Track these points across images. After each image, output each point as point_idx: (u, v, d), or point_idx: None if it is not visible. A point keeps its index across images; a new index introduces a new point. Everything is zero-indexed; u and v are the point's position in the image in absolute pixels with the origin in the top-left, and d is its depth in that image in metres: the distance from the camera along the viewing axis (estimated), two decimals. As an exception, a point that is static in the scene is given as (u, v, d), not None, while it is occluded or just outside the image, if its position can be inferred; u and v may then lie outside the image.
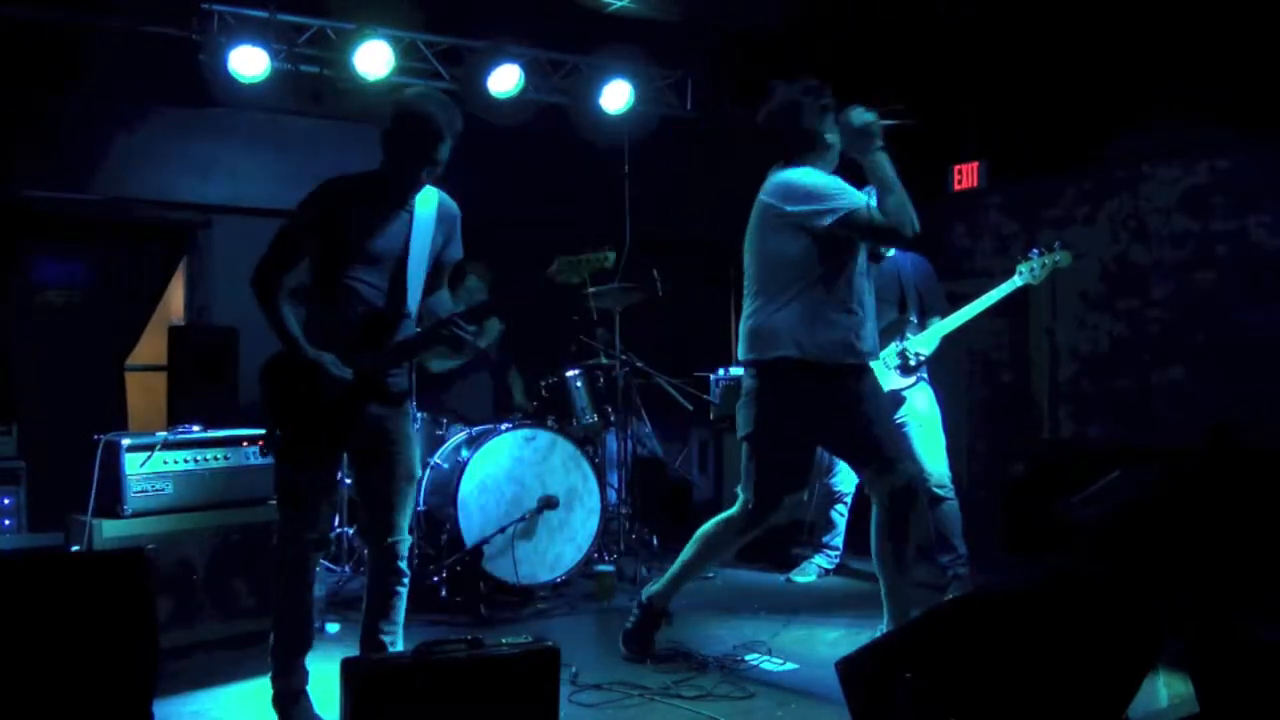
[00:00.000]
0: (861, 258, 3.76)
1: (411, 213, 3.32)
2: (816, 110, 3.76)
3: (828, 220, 3.57)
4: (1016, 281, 4.74)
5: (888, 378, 4.93)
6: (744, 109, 6.43)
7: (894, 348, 4.90)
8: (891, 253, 5.02)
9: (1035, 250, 4.77)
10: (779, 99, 3.77)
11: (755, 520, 3.82)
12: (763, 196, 3.77)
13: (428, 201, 3.37)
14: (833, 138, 3.78)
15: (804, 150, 3.74)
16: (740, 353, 3.84)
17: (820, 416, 3.71)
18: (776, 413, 3.70)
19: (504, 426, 5.02)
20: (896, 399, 4.93)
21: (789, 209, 3.64)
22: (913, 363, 4.86)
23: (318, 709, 3.32)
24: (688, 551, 3.95)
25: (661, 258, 5.74)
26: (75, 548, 3.92)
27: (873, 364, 4.92)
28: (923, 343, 4.85)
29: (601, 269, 3.83)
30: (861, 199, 3.66)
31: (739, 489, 3.84)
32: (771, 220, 3.70)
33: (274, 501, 4.26)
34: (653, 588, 3.97)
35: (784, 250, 3.67)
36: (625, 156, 6.29)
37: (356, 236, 3.23)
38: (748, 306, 3.80)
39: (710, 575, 5.41)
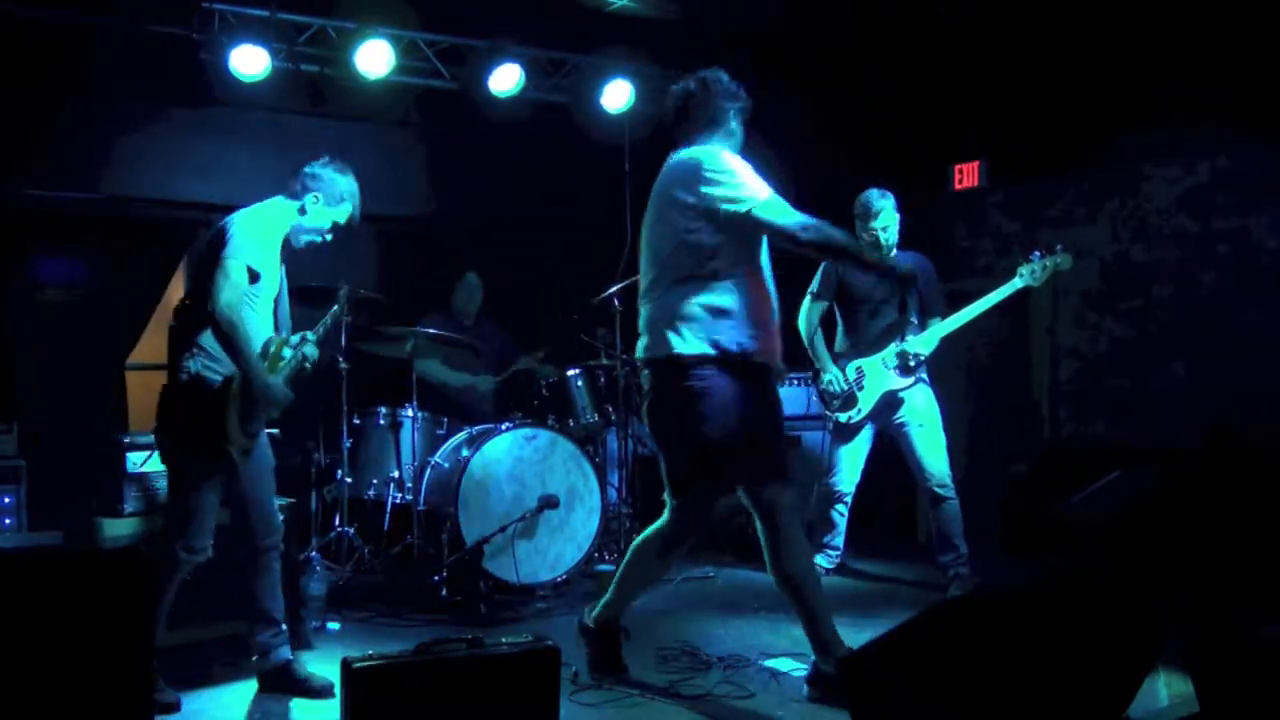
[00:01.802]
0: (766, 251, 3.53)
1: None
2: (729, 98, 3.58)
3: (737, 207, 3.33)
4: (1017, 283, 4.74)
5: (887, 378, 4.93)
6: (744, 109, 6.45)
7: (893, 348, 4.90)
8: (893, 252, 5.04)
9: (1036, 252, 4.76)
10: (693, 79, 3.61)
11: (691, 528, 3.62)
12: (664, 179, 3.54)
13: None
14: (736, 128, 3.62)
15: (708, 130, 3.55)
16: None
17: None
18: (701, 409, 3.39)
19: (504, 426, 5.02)
20: (896, 400, 4.93)
21: (698, 192, 3.38)
22: (912, 363, 4.87)
23: (318, 709, 3.34)
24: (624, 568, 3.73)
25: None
26: (75, 547, 3.92)
27: (873, 364, 4.97)
28: (922, 343, 4.85)
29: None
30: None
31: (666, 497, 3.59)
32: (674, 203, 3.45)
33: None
34: (592, 613, 3.76)
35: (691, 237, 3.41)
36: (625, 156, 6.29)
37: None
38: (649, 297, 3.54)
39: (710, 575, 5.41)
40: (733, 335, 3.36)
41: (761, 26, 6.18)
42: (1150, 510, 2.50)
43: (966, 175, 6.67)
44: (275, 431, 4.44)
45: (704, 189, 3.36)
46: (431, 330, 5.34)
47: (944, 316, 4.90)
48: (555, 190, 6.68)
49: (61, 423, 4.97)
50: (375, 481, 5.42)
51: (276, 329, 3.59)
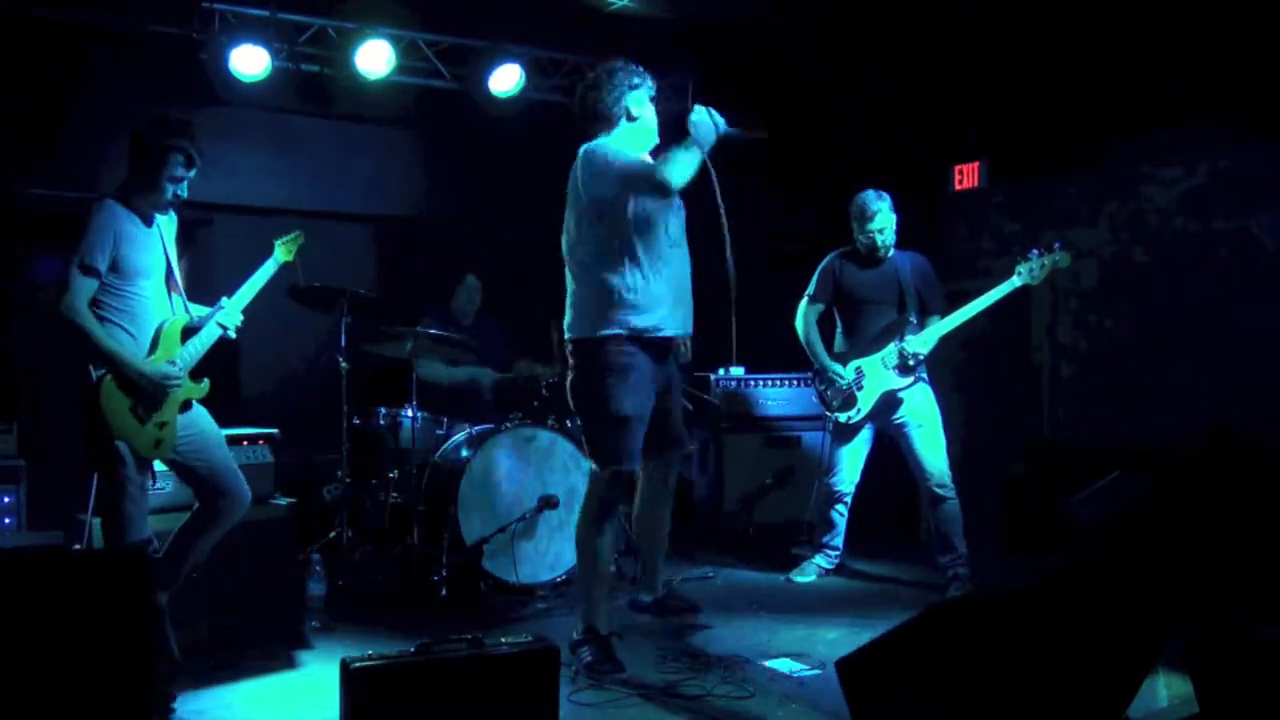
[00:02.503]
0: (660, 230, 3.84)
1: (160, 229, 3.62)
2: (624, 88, 3.87)
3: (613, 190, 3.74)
4: (1015, 282, 4.74)
5: (887, 378, 4.93)
6: (743, 109, 6.44)
7: (893, 348, 4.90)
8: (891, 253, 5.04)
9: (1035, 251, 4.77)
10: (589, 77, 3.95)
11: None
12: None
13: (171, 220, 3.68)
14: (639, 113, 3.90)
15: (603, 126, 3.89)
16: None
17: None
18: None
19: (504, 426, 5.02)
20: (895, 399, 4.93)
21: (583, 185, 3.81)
22: (911, 363, 4.87)
23: (318, 709, 3.34)
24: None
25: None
26: (75, 546, 3.92)
27: (872, 364, 4.96)
28: (921, 343, 4.85)
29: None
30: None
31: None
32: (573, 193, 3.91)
33: (275, 501, 4.30)
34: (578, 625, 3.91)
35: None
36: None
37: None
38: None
39: (710, 575, 5.41)
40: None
41: (762, 26, 6.17)
42: (1150, 510, 2.51)
43: (967, 176, 6.67)
44: (275, 431, 4.46)
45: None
46: (432, 330, 5.33)
47: (943, 316, 4.90)
48: (555, 190, 6.68)
49: (61, 423, 4.96)
50: (375, 481, 5.42)
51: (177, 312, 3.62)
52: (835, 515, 5.29)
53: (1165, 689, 3.04)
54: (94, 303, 3.41)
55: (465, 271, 6.11)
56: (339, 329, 5.14)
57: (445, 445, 5.23)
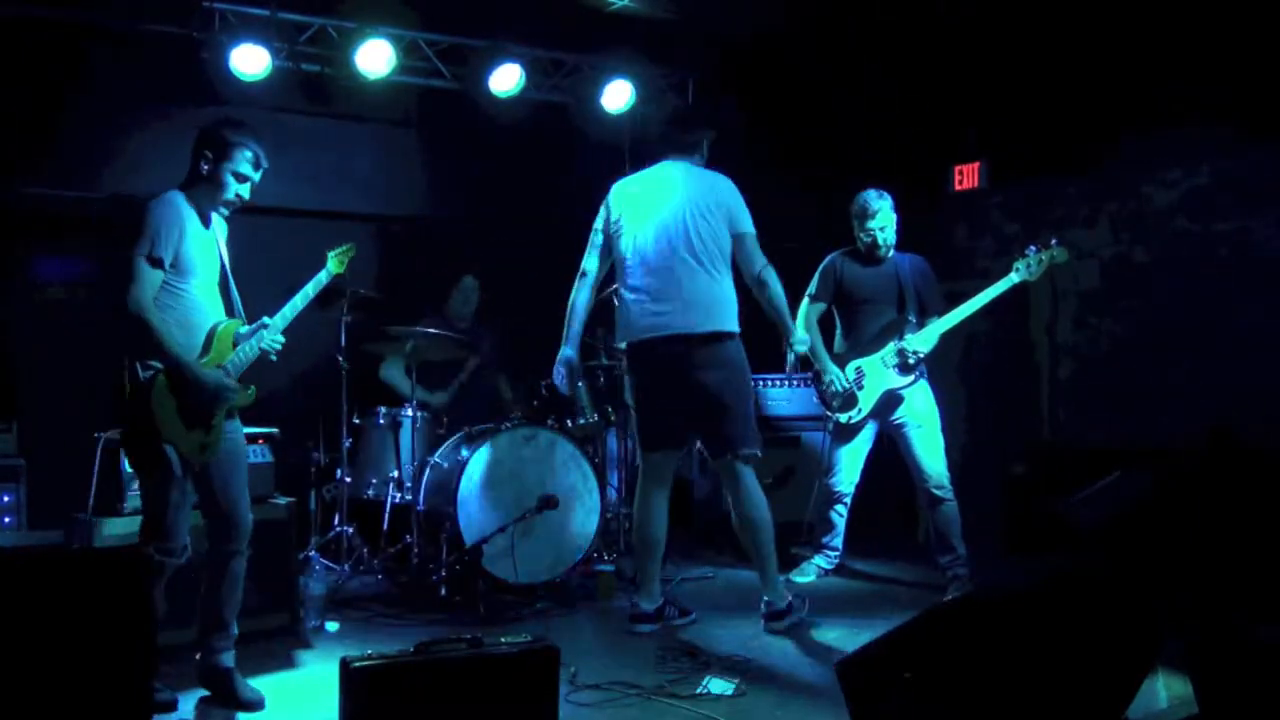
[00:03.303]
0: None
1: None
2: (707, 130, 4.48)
3: None
4: (1013, 279, 4.75)
5: (887, 377, 4.93)
6: (744, 109, 6.45)
7: (893, 346, 4.90)
8: (891, 253, 5.04)
9: (1032, 247, 4.78)
10: (679, 105, 4.54)
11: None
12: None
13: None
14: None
15: (694, 153, 4.47)
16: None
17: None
18: None
19: (504, 426, 5.02)
20: (896, 398, 4.93)
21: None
22: (911, 361, 4.87)
23: (318, 708, 3.34)
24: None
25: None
26: (75, 546, 3.92)
27: (872, 363, 4.96)
28: (921, 341, 4.85)
29: None
30: None
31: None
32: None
33: (275, 500, 4.30)
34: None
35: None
36: (625, 156, 6.30)
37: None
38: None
39: (710, 575, 5.41)
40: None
41: (763, 26, 6.18)
42: (1150, 510, 2.50)
43: (967, 176, 6.67)
44: (275, 431, 4.45)
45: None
46: (432, 330, 5.33)
47: (943, 315, 4.90)
48: (555, 190, 6.69)
49: (61, 423, 4.96)
50: (375, 481, 5.42)
51: (230, 315, 3.51)
52: (835, 516, 5.29)
53: (1165, 689, 3.04)
54: None
55: (462, 272, 6.10)
56: (339, 328, 5.14)
57: (445, 445, 5.23)
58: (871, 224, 4.98)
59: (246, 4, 5.58)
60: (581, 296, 4.44)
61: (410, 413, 5.25)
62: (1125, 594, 2.34)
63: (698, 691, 3.53)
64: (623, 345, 4.43)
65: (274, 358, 3.54)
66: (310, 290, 3.67)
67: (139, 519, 3.91)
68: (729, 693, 3.52)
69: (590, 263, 4.43)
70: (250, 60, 5.57)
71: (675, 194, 4.28)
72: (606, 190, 4.47)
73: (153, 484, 3.35)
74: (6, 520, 4.83)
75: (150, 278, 3.25)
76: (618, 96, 6.46)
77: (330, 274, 3.80)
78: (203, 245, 3.42)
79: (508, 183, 6.73)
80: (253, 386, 3.51)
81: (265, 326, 3.52)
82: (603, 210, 4.43)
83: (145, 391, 3.27)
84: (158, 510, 3.33)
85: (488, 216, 6.78)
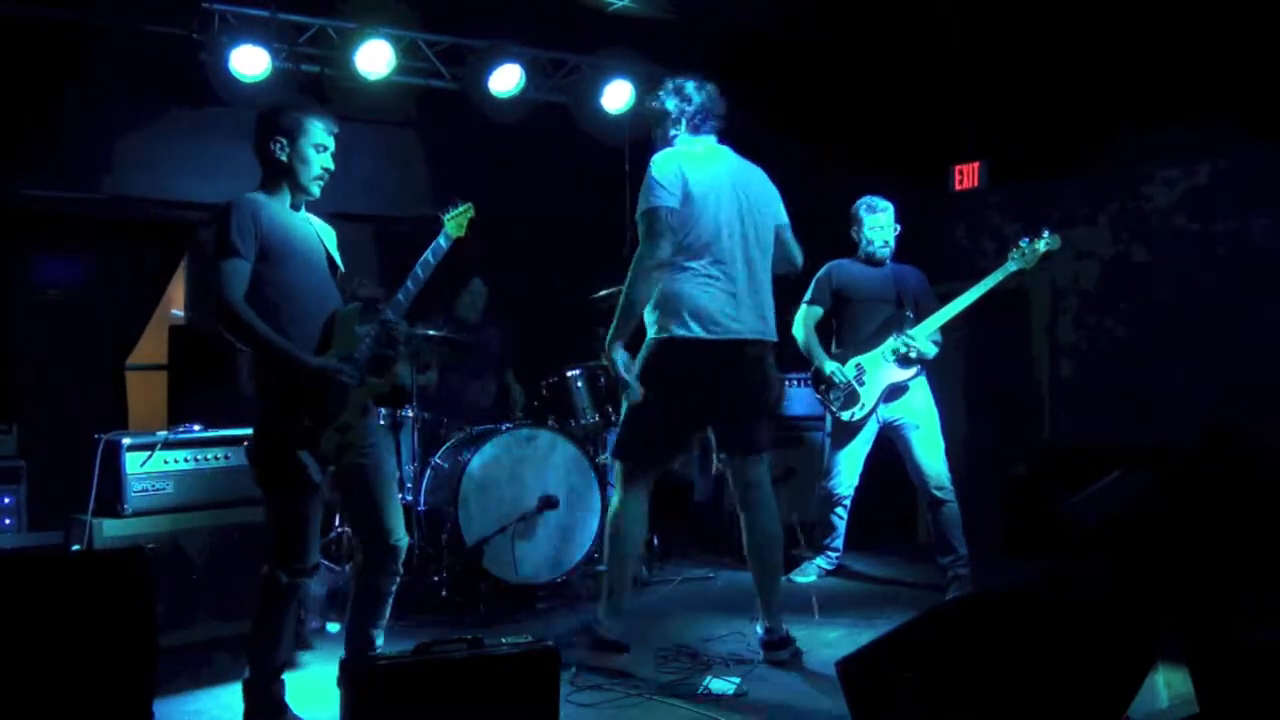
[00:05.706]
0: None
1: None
2: None
3: None
4: (1010, 267, 4.77)
5: (888, 371, 4.93)
6: (745, 109, 6.44)
7: (891, 341, 4.90)
8: (889, 261, 5.06)
9: (1025, 239, 4.80)
10: (710, 85, 4.25)
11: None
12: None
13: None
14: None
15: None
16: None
17: None
18: None
19: (504, 426, 5.02)
20: (897, 393, 4.93)
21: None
22: (912, 355, 4.87)
23: (318, 709, 3.33)
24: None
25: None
26: (75, 547, 3.92)
27: (872, 359, 4.96)
28: (920, 331, 4.85)
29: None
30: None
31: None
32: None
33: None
34: None
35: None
36: (625, 156, 6.29)
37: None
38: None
39: (710, 576, 5.41)
40: None
41: (763, 26, 6.18)
42: (1150, 511, 2.50)
43: (966, 176, 6.68)
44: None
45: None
46: (432, 331, 5.32)
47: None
48: (555, 190, 6.68)
49: (61, 423, 4.96)
50: (375, 481, 5.41)
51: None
52: (835, 517, 5.29)
53: (1165, 689, 3.04)
54: (246, 298, 3.05)
55: (471, 274, 6.09)
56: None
57: (445, 445, 5.23)
58: (870, 228, 5.00)
59: (246, 5, 5.57)
60: (653, 290, 3.85)
61: (411, 413, 5.25)
62: (1125, 594, 2.34)
63: (698, 692, 3.53)
64: (679, 334, 3.77)
65: (402, 346, 3.30)
66: (431, 258, 3.41)
67: (139, 519, 3.93)
68: (729, 693, 3.52)
69: (666, 250, 3.75)
70: (250, 61, 5.57)
71: (742, 181, 3.95)
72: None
73: (283, 497, 3.10)
74: (6, 522, 4.82)
75: (237, 270, 3.03)
76: (618, 96, 6.45)
77: (450, 238, 3.53)
78: (293, 230, 3.20)
79: (508, 183, 6.73)
80: (389, 373, 3.24)
81: (380, 308, 3.26)
82: (669, 189, 3.76)
83: (266, 392, 3.09)
84: (289, 526, 3.09)
85: (487, 216, 6.76)
